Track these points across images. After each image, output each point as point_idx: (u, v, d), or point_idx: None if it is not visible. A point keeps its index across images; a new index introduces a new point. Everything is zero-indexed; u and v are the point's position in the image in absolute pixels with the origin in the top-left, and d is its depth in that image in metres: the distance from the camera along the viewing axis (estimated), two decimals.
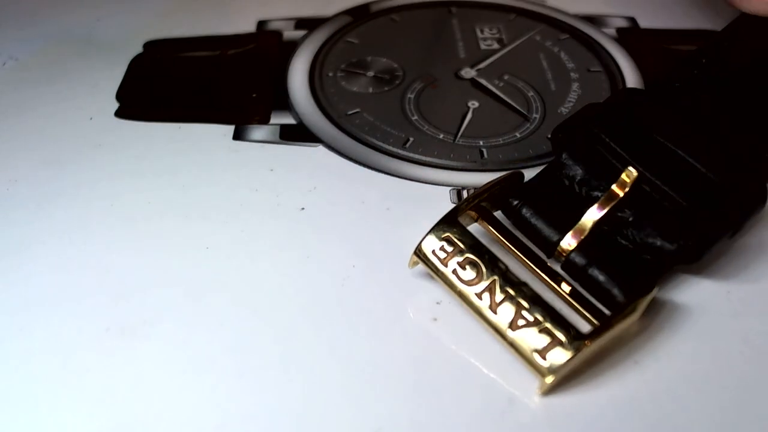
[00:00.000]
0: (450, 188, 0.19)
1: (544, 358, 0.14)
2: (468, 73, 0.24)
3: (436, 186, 0.19)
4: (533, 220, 0.16)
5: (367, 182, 0.20)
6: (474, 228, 0.17)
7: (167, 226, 0.18)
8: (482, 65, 0.24)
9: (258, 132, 0.21)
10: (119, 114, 0.22)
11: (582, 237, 0.16)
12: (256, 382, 0.15)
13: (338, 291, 0.17)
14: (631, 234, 0.16)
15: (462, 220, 0.17)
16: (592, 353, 0.15)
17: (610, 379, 0.15)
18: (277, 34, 0.26)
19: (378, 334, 0.16)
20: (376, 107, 0.22)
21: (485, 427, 0.14)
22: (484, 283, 0.15)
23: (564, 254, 0.16)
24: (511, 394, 0.15)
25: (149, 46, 0.25)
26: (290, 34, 0.26)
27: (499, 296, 0.15)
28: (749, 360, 0.15)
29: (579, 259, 0.16)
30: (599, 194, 0.16)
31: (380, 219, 0.18)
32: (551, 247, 0.16)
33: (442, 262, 0.16)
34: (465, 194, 0.19)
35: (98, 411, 0.15)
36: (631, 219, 0.16)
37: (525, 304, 0.15)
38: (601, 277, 0.15)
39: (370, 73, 0.24)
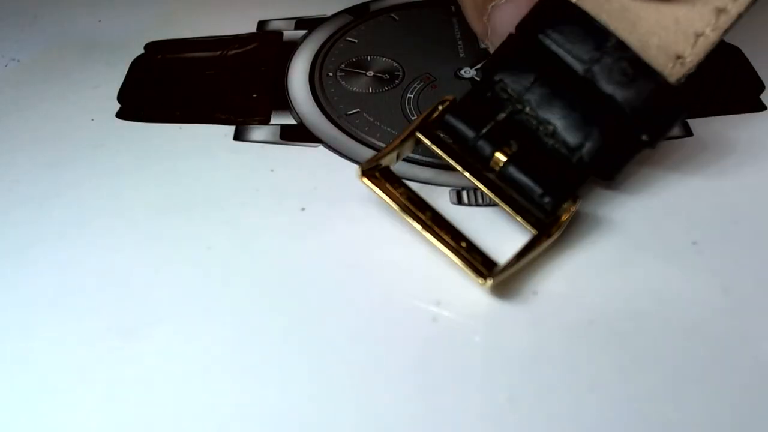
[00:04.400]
0: (450, 188, 0.19)
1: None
2: (468, 72, 0.24)
3: (436, 186, 0.19)
4: (469, 134, 0.17)
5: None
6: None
7: (168, 226, 0.19)
8: (482, 65, 0.24)
9: (258, 132, 0.21)
10: (120, 115, 0.22)
11: (512, 146, 0.17)
12: (257, 382, 0.15)
13: (338, 291, 0.17)
14: (556, 138, 0.17)
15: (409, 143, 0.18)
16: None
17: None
18: (278, 34, 0.26)
19: (378, 334, 0.16)
20: (375, 107, 0.22)
21: (486, 426, 0.14)
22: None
23: (498, 165, 0.17)
24: (511, 393, 0.15)
25: (150, 47, 0.26)
26: (290, 34, 0.26)
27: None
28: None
29: (511, 169, 0.17)
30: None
31: (380, 219, 0.18)
32: (486, 160, 0.17)
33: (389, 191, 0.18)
34: (465, 195, 0.19)
35: (100, 411, 0.15)
36: (554, 129, 0.17)
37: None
38: (530, 183, 0.17)
39: (370, 73, 0.24)
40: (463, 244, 0.17)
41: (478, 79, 0.23)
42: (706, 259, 0.17)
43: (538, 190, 0.17)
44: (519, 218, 0.17)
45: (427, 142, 0.18)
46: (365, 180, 0.17)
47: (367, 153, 0.21)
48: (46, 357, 0.16)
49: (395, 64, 0.24)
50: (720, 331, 0.16)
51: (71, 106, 0.23)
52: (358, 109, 0.22)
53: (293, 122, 0.22)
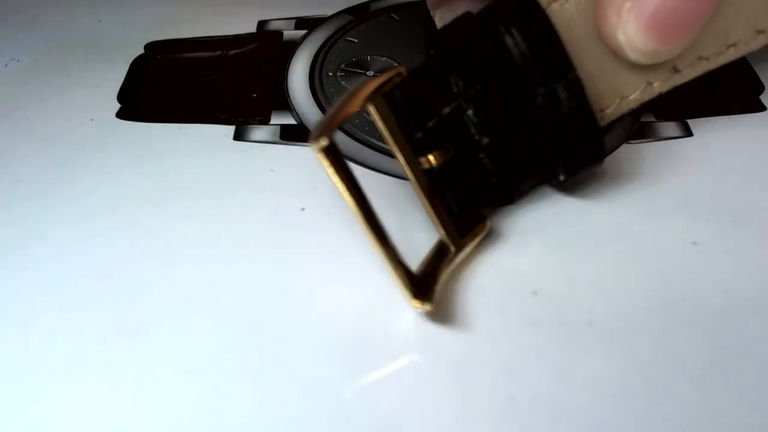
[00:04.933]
0: None
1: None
2: None
3: None
4: (410, 124, 0.16)
5: (367, 182, 0.19)
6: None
7: (168, 226, 0.19)
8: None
9: (258, 132, 0.22)
10: (120, 115, 0.22)
11: (448, 151, 0.17)
12: (257, 382, 0.15)
13: (339, 292, 0.17)
14: (487, 153, 0.17)
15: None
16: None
17: None
18: (278, 34, 0.26)
19: (378, 336, 0.16)
20: None
21: (486, 426, 0.14)
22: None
23: (429, 164, 0.17)
24: (511, 393, 0.15)
25: (150, 47, 0.26)
26: (290, 34, 0.26)
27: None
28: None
29: (438, 178, 0.16)
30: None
31: (380, 219, 0.18)
32: (419, 154, 0.17)
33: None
34: None
35: (100, 411, 0.15)
36: (487, 142, 0.17)
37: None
38: (450, 199, 0.17)
39: (370, 73, 0.24)
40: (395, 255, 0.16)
41: None
42: (706, 259, 0.17)
43: (455, 208, 0.17)
44: (441, 231, 0.17)
45: (376, 116, 0.16)
46: (323, 157, 0.15)
47: (368, 153, 0.21)
48: (46, 356, 0.16)
49: (395, 64, 0.24)
50: (720, 331, 0.16)
51: (71, 105, 0.23)
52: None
53: (293, 122, 0.22)
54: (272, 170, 0.20)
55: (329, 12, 0.27)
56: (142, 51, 0.25)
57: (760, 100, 0.21)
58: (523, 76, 0.16)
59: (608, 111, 0.17)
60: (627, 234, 0.18)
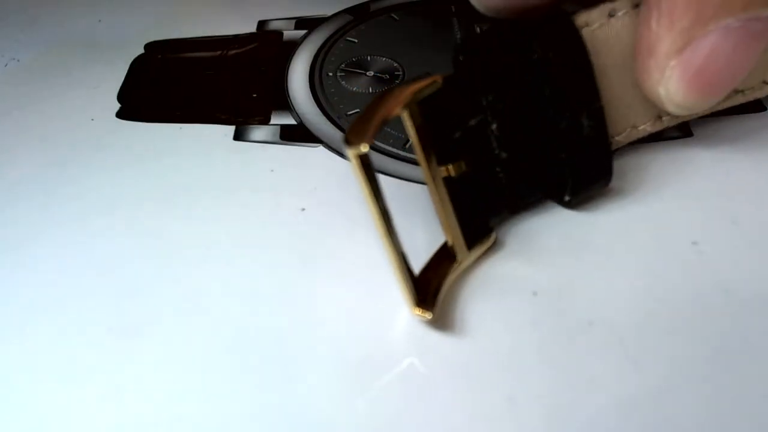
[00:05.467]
0: None
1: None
2: None
3: None
4: (438, 134, 0.16)
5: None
6: None
7: (168, 226, 0.19)
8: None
9: (258, 132, 0.22)
10: (120, 115, 0.23)
11: (466, 163, 0.16)
12: (257, 381, 0.15)
13: (338, 292, 0.17)
14: (503, 167, 0.17)
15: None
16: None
17: None
18: (278, 34, 0.26)
19: (378, 337, 0.16)
20: None
21: (486, 426, 0.14)
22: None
23: (447, 174, 0.16)
24: (511, 393, 0.15)
25: (150, 47, 0.26)
26: (290, 34, 0.26)
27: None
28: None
29: (452, 190, 0.16)
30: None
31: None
32: (439, 163, 0.16)
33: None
34: None
35: (100, 411, 0.15)
36: (505, 156, 0.17)
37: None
38: (459, 211, 0.16)
39: (370, 73, 0.24)
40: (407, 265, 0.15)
41: None
42: (706, 259, 0.17)
43: (465, 218, 0.17)
44: (450, 240, 0.16)
45: (409, 122, 0.15)
46: (358, 164, 0.14)
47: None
48: (46, 356, 0.16)
49: (395, 64, 0.24)
50: (720, 331, 0.16)
51: (71, 105, 0.23)
52: (358, 109, 0.22)
53: (293, 122, 0.22)
54: (272, 170, 0.20)
55: (329, 12, 0.27)
56: (142, 51, 0.25)
57: (760, 101, 0.21)
58: (550, 99, 0.16)
59: (618, 138, 0.18)
60: (627, 234, 0.18)
